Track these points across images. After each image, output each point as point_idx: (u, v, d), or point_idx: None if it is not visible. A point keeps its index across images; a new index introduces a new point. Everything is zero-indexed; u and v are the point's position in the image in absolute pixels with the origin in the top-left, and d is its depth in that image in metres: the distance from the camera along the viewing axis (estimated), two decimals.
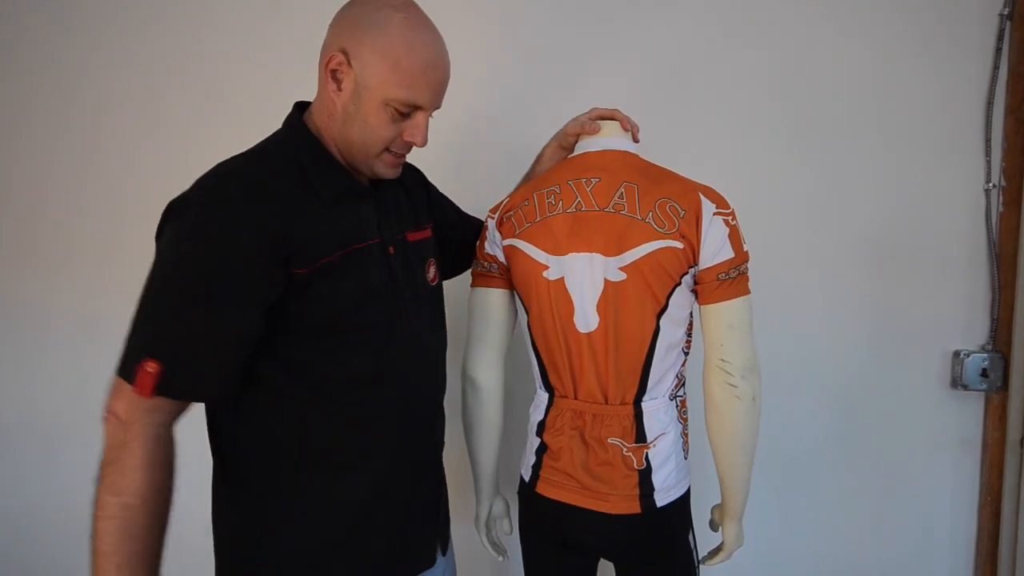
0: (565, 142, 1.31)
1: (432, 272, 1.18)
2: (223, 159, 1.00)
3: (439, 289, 1.21)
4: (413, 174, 1.24)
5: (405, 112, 1.00)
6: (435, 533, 1.17)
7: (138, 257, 1.82)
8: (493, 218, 1.29)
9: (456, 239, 1.31)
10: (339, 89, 0.98)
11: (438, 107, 1.04)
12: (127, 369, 0.89)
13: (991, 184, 1.64)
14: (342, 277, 0.98)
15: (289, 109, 1.10)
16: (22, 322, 2.06)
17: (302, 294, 0.95)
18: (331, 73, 0.98)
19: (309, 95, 1.09)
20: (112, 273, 1.99)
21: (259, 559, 1.03)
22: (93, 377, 1.88)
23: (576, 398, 1.22)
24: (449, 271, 1.32)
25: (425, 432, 1.14)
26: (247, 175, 0.96)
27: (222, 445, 1.05)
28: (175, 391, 0.90)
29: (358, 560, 1.04)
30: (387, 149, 1.03)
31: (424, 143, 1.04)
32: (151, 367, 0.87)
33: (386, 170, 1.06)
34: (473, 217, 1.40)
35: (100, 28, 1.94)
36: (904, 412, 1.74)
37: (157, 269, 0.91)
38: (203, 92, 1.92)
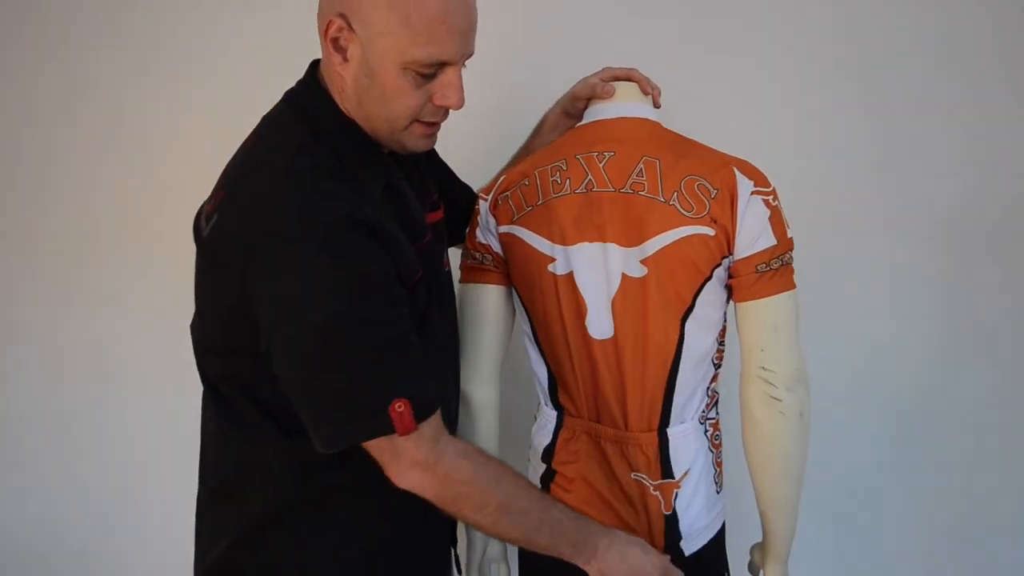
0: (572, 108, 1.26)
1: (446, 258, 1.17)
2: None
3: (450, 277, 1.19)
4: None
5: (429, 73, 0.95)
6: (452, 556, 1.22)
7: (64, 252, 1.92)
8: (486, 200, 1.23)
9: (452, 209, 1.28)
10: (345, 60, 0.94)
11: (470, 55, 0.98)
12: (380, 425, 0.91)
13: None
14: (421, 287, 1.00)
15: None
16: None
17: None
18: (332, 43, 0.94)
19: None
20: (37, 269, 1.98)
21: None
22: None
23: (591, 420, 1.18)
24: None
25: None
26: (325, 186, 0.92)
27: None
28: (430, 409, 0.94)
29: None
30: (416, 119, 0.99)
31: (461, 103, 0.98)
32: (400, 406, 0.90)
33: (419, 142, 1.02)
34: (464, 184, 1.37)
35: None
36: (988, 431, 1.69)
37: (322, 323, 0.89)
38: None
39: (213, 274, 0.97)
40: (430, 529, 1.11)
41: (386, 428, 0.90)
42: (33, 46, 1.93)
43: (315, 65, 1.04)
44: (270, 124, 1.02)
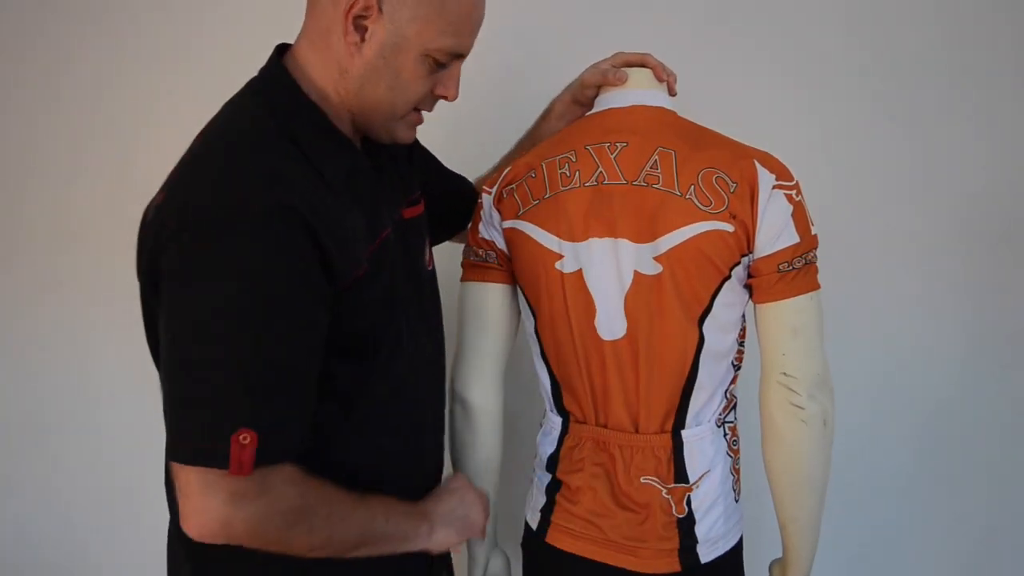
0: (581, 96, 1.24)
1: (428, 255, 1.16)
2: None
3: (435, 277, 1.18)
4: None
5: (444, 63, 0.98)
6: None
7: (39, 245, 1.90)
8: (490, 193, 1.22)
9: (438, 203, 1.26)
10: (363, 40, 0.94)
11: None
12: (211, 452, 0.81)
13: None
14: (372, 283, 0.96)
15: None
16: None
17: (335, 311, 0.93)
18: (354, 21, 0.93)
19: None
20: (9, 263, 1.97)
21: None
22: None
23: (598, 424, 1.16)
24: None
25: (429, 460, 1.14)
26: (261, 168, 0.89)
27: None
28: (273, 455, 0.85)
29: None
30: (416, 108, 1.02)
31: (457, 96, 1.03)
32: (245, 438, 0.81)
33: (407, 132, 1.05)
34: (457, 174, 1.36)
35: None
36: (1021, 439, 1.68)
37: (202, 317, 0.83)
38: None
39: (140, 263, 0.93)
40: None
41: (216, 460, 0.81)
42: (9, 35, 1.91)
43: (279, 51, 1.02)
44: (227, 110, 0.99)
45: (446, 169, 1.34)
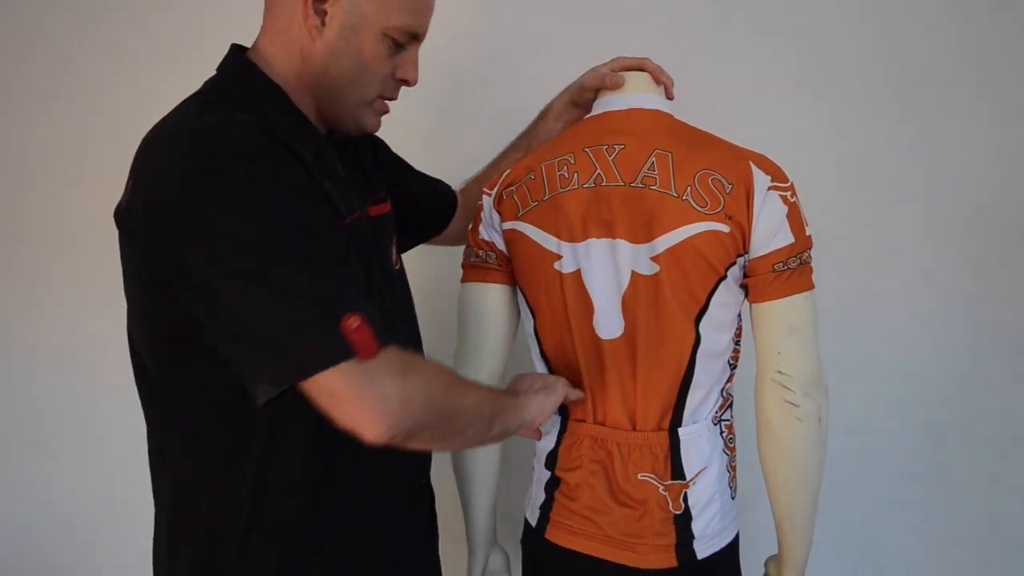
0: (580, 98, 1.25)
1: (395, 254, 1.16)
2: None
3: (404, 275, 1.19)
4: None
5: (403, 43, 1.00)
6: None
7: (39, 247, 1.90)
8: (490, 195, 1.22)
9: (412, 206, 1.27)
10: (323, 24, 0.96)
11: None
12: (335, 347, 0.79)
13: None
14: (363, 278, 0.97)
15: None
16: None
17: None
18: (313, 5, 0.95)
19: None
20: (10, 266, 1.97)
21: None
22: None
23: (596, 422, 1.16)
24: (402, 246, 1.27)
25: (416, 457, 1.12)
26: (238, 118, 0.88)
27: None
28: (384, 332, 0.82)
29: None
30: (380, 94, 1.03)
31: (417, 80, 1.04)
32: (354, 321, 0.79)
33: (374, 121, 1.06)
34: (432, 178, 1.37)
35: None
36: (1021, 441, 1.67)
37: (249, 239, 0.80)
38: None
39: (133, 249, 0.91)
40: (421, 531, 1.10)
41: (344, 352, 0.78)
42: (9, 35, 1.92)
43: (235, 50, 1.03)
44: (184, 104, 0.97)
45: (419, 173, 1.34)
